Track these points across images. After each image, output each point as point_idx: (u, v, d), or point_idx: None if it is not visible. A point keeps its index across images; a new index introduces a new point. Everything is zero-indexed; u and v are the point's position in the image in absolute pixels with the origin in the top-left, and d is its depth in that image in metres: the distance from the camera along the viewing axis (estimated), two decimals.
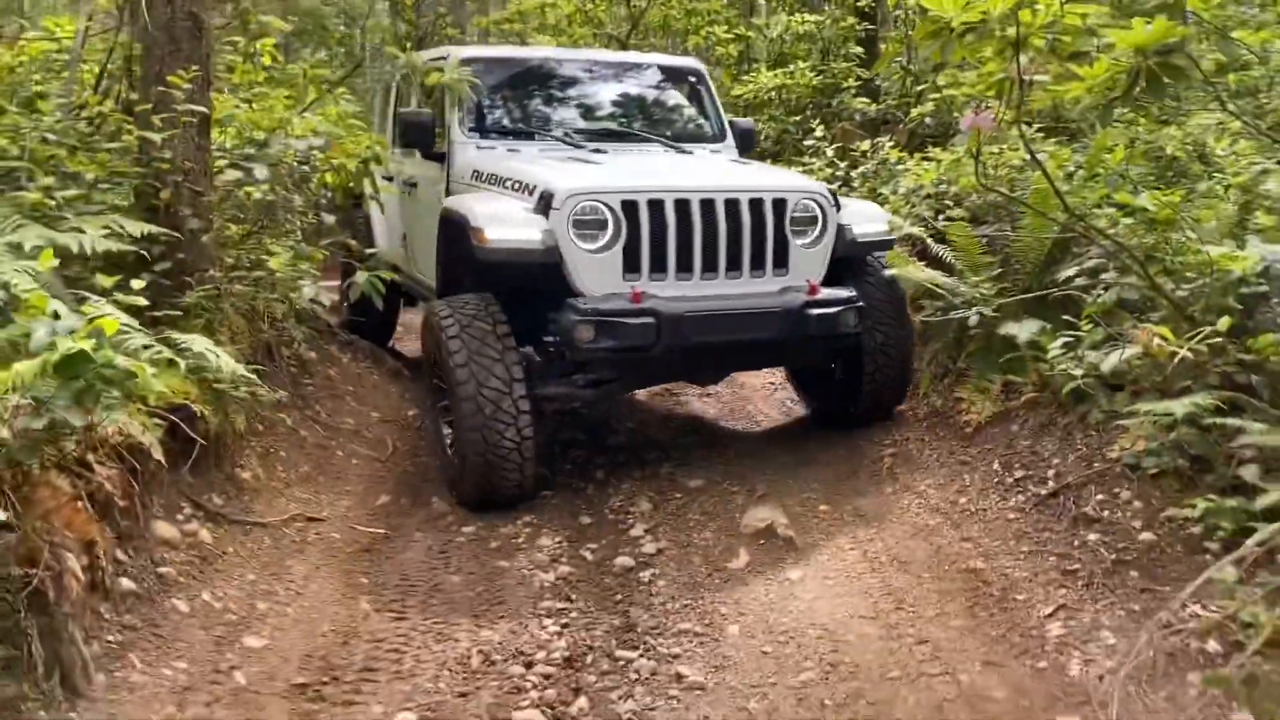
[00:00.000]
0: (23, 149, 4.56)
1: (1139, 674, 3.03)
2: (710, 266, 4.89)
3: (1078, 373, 4.29)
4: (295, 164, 5.65)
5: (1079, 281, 4.85)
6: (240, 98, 6.04)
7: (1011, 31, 3.94)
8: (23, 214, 3.82)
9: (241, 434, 4.59)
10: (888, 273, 5.41)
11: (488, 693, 3.29)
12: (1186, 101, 7.06)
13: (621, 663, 3.53)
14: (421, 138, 5.87)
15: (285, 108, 6.16)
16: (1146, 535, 3.76)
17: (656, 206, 4.81)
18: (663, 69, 6.81)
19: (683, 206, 4.84)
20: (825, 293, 4.96)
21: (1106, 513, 3.97)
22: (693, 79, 6.73)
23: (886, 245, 5.53)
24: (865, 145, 8.41)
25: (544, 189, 4.83)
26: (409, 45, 9.54)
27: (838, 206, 5.24)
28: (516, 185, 5.09)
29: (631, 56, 7.07)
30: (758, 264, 4.98)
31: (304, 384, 5.86)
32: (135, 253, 3.82)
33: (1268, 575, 3.12)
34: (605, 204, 4.76)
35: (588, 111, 6.43)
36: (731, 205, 4.92)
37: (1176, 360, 3.85)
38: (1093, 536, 3.88)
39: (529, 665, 3.48)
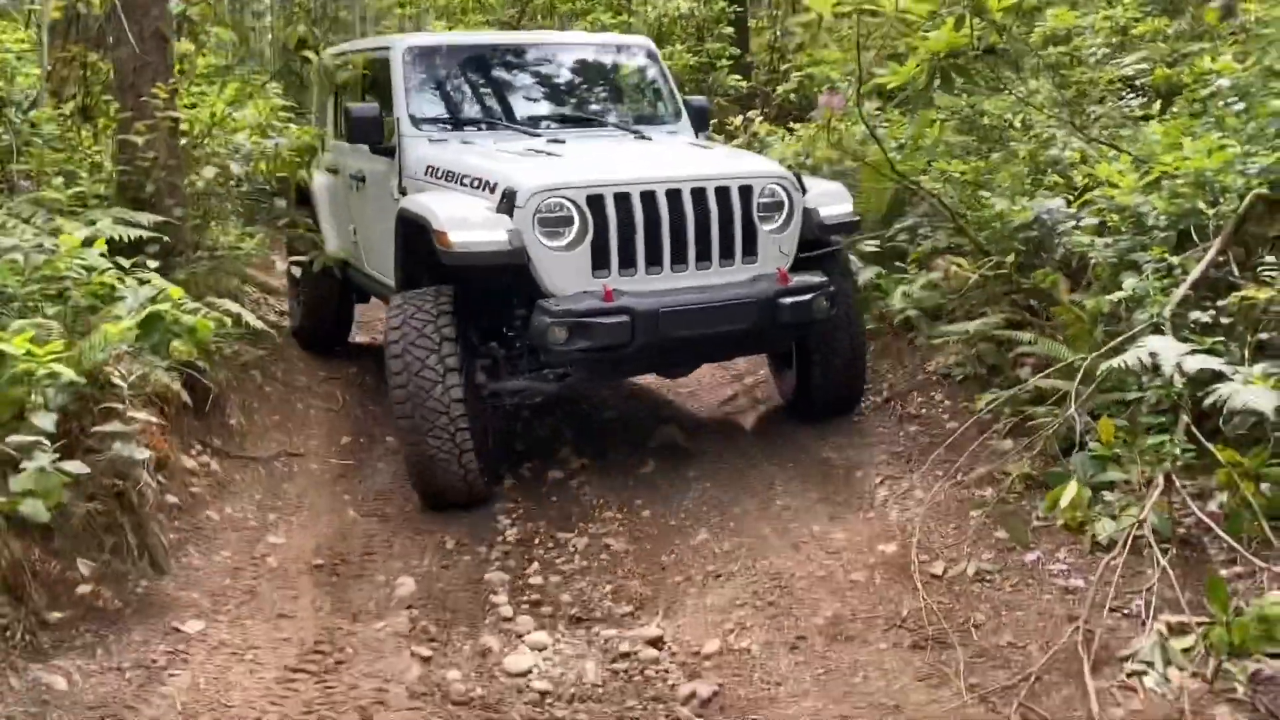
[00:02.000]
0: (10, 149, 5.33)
1: (935, 513, 4.23)
2: (680, 258, 4.78)
3: (898, 304, 5.49)
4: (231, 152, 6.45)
5: (904, 237, 6.06)
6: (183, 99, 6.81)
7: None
8: (47, 209, 4.62)
9: (225, 388, 5.47)
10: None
11: (463, 564, 4.33)
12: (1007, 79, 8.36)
13: (562, 541, 4.59)
14: (370, 132, 5.60)
15: (224, 104, 6.96)
16: (952, 424, 5.00)
17: (623, 200, 4.67)
18: (615, 48, 6.59)
19: (649, 198, 4.71)
20: (796, 280, 4.89)
21: (924, 411, 5.22)
22: (646, 57, 6.49)
23: (853, 227, 5.49)
24: (738, 120, 9.51)
25: (506, 186, 4.68)
26: (320, 45, 10.16)
27: (803, 189, 5.14)
28: (476, 182, 4.92)
29: (582, 37, 6.74)
30: (727, 253, 4.86)
31: (259, 347, 6.70)
32: (140, 238, 4.67)
33: (1025, 439, 4.35)
34: (570, 199, 4.62)
35: (541, 97, 6.24)
36: (698, 194, 4.79)
37: (970, 284, 5.06)
38: (913, 428, 5.12)
39: (490, 546, 4.52)
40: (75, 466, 2.98)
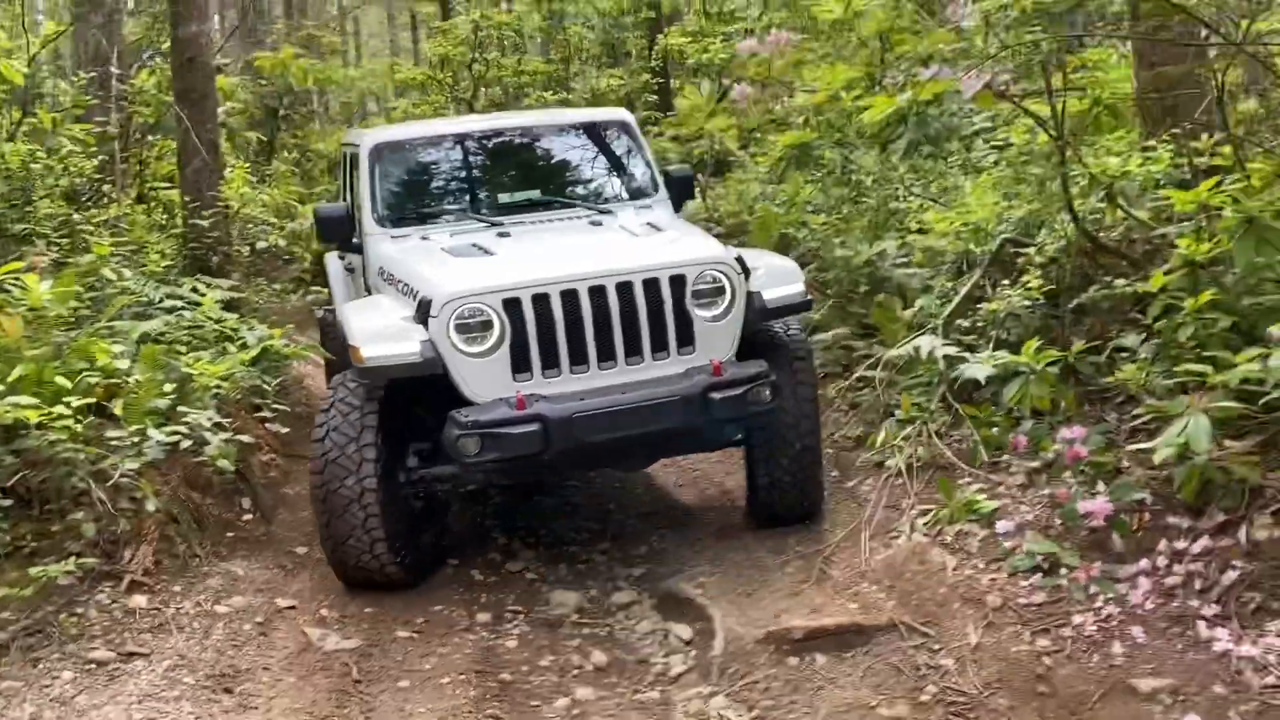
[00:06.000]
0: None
1: None
2: (607, 355, 4.66)
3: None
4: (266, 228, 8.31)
5: None
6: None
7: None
8: (152, 279, 6.42)
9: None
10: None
11: (466, 517, 6.16)
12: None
13: (536, 501, 6.43)
14: (338, 232, 5.63)
15: (244, 183, 8.82)
16: None
17: (541, 300, 4.58)
18: (586, 125, 6.43)
19: (570, 297, 4.61)
20: (731, 371, 4.70)
21: None
22: (620, 130, 6.29)
23: (804, 307, 5.36)
24: None
25: (422, 295, 4.65)
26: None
27: (746, 273, 4.96)
28: (405, 287, 4.92)
29: (551, 116, 6.88)
30: (659, 346, 4.73)
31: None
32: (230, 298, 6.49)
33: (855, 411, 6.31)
34: (487, 305, 4.56)
35: (509, 181, 6.18)
36: (624, 289, 4.67)
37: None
38: None
39: (484, 505, 6.35)
40: (245, 439, 4.81)
